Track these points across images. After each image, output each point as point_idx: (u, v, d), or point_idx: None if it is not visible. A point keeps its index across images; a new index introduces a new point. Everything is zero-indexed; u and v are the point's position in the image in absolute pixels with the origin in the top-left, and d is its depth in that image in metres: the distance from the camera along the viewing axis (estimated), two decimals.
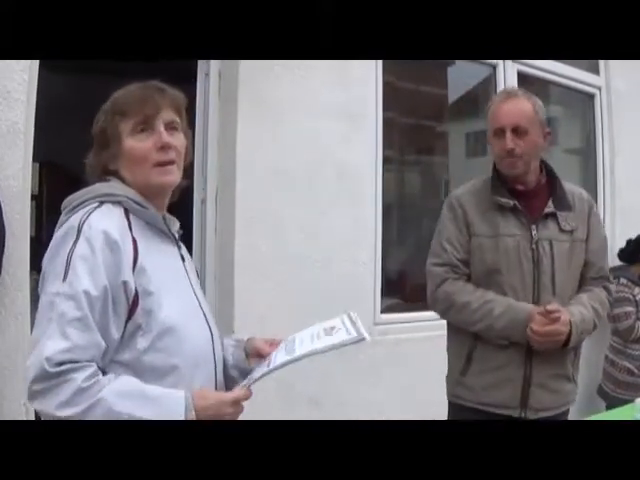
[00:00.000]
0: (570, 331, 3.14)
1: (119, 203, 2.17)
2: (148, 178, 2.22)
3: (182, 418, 2.00)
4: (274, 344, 2.39)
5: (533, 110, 3.31)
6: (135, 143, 2.20)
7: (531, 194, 3.36)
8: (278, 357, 2.20)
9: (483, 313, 3.24)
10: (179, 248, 2.37)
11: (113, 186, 2.20)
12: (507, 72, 6.42)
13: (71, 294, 1.97)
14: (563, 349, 3.24)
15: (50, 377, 1.90)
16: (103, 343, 1.99)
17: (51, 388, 1.90)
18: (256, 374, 2.20)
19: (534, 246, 3.27)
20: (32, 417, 4.03)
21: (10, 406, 3.99)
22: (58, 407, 1.91)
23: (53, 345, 1.92)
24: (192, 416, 2.02)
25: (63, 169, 6.95)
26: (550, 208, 3.31)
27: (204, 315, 2.32)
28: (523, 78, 6.57)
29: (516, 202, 3.30)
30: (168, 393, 2.05)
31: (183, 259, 2.37)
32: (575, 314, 3.19)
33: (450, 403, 3.52)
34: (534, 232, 3.27)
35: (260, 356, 2.40)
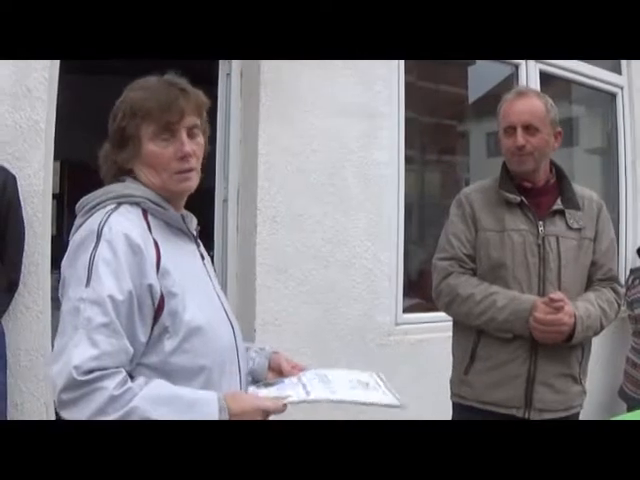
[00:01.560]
0: (574, 324, 3.12)
1: (137, 204, 2.14)
2: (167, 184, 2.19)
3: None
4: (297, 367, 2.42)
5: (545, 109, 3.32)
6: (156, 149, 2.16)
7: (539, 192, 3.36)
8: (316, 389, 2.20)
9: (486, 305, 3.22)
10: (198, 246, 2.34)
11: (130, 186, 2.17)
12: (529, 71, 6.39)
13: (96, 299, 1.93)
14: (568, 346, 3.23)
15: (80, 386, 1.86)
16: (131, 348, 1.96)
17: (82, 397, 1.87)
18: (293, 396, 2.18)
19: (540, 242, 3.27)
20: (52, 416, 4.05)
21: (31, 405, 4.02)
22: (91, 417, 1.88)
23: (81, 353, 1.88)
24: (225, 418, 2.00)
25: (84, 167, 6.95)
26: (558, 205, 3.32)
27: (226, 313, 2.30)
28: (545, 77, 6.55)
29: (523, 198, 3.30)
30: (201, 396, 2.03)
31: (202, 257, 2.34)
32: (580, 308, 3.17)
33: (453, 404, 3.51)
34: (541, 228, 3.28)
35: (279, 373, 2.42)
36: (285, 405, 2.14)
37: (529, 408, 3.24)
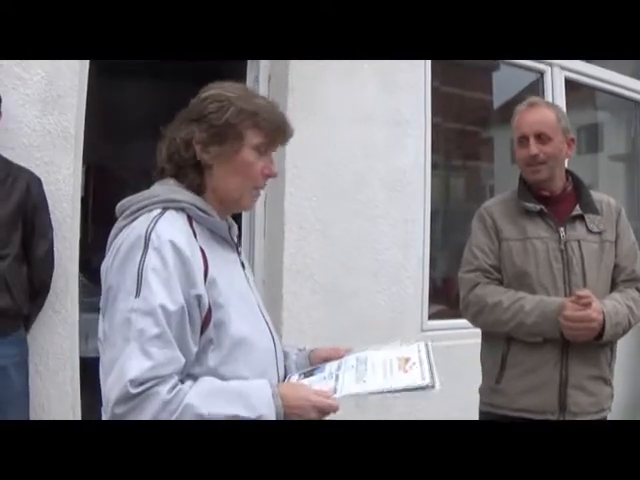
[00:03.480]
0: (604, 321, 3.12)
1: (182, 210, 2.09)
2: (243, 196, 2.19)
3: (272, 408, 1.99)
4: (340, 351, 2.36)
5: (555, 118, 3.35)
6: (253, 158, 2.15)
7: (557, 200, 3.39)
8: (347, 383, 2.14)
9: (514, 310, 3.23)
10: (239, 254, 2.31)
11: (176, 191, 2.12)
12: (555, 78, 6.40)
13: (147, 310, 1.89)
14: (598, 346, 3.23)
15: (133, 397, 1.84)
16: (183, 358, 1.94)
17: (136, 407, 1.85)
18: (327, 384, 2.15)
19: (563, 247, 3.28)
20: (78, 419, 4.06)
21: (57, 408, 4.02)
22: None
23: (136, 365, 1.85)
24: (279, 403, 1.99)
25: (109, 172, 7.00)
26: (577, 211, 3.34)
27: (267, 323, 2.27)
28: (570, 84, 6.55)
29: (542, 207, 3.33)
30: (252, 384, 2.03)
31: (243, 266, 2.31)
32: (608, 305, 3.17)
33: (482, 413, 3.49)
34: (562, 234, 3.30)
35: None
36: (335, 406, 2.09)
37: (564, 412, 3.23)
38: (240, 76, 4.89)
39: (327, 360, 2.34)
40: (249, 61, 4.94)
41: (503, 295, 3.29)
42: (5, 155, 3.79)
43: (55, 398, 4.02)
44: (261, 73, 4.91)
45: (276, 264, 4.79)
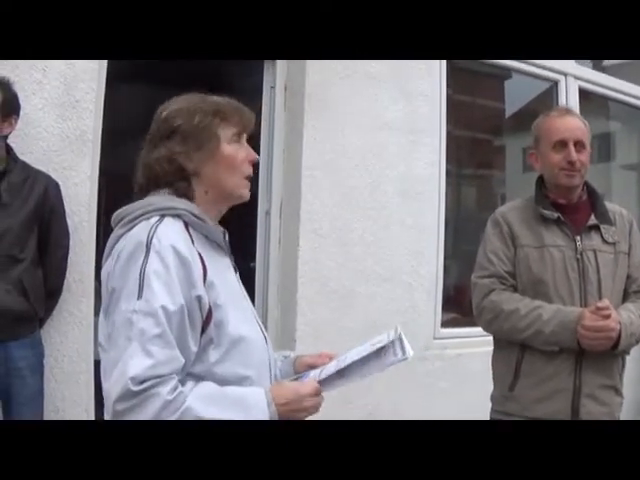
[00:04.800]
0: (620, 331, 3.13)
1: (179, 216, 2.14)
2: (237, 187, 2.25)
3: (266, 414, 2.03)
4: (324, 356, 2.39)
5: (587, 129, 3.39)
6: (233, 151, 2.23)
7: (573, 208, 3.38)
8: (328, 368, 2.21)
9: (532, 319, 3.21)
10: (231, 259, 2.35)
11: (172, 199, 2.17)
12: (569, 87, 6.40)
13: (149, 311, 1.95)
14: (612, 355, 3.24)
15: (135, 395, 1.89)
16: (182, 358, 1.98)
17: (137, 405, 1.89)
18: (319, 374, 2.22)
19: (579, 256, 3.28)
20: None
21: (72, 410, 4.04)
22: None
23: (137, 364, 1.90)
24: (273, 410, 2.04)
25: (124, 177, 6.98)
26: (593, 221, 3.34)
27: (258, 324, 2.32)
28: (582, 94, 6.55)
29: (560, 215, 3.32)
30: (249, 392, 2.07)
31: (235, 270, 2.36)
32: (623, 315, 3.18)
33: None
34: (578, 243, 3.29)
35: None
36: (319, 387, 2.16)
37: None
38: (256, 84, 4.92)
39: (312, 367, 2.37)
40: (265, 69, 4.98)
41: (520, 303, 3.28)
42: (24, 159, 3.81)
43: (69, 400, 4.03)
44: (277, 82, 4.94)
45: (291, 270, 4.81)
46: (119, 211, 2.21)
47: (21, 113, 3.77)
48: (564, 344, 3.19)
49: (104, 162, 4.33)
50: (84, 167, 4.09)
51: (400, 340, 2.15)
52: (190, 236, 2.13)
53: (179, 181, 2.20)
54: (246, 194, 2.30)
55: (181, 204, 2.16)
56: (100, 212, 4.38)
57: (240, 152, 2.24)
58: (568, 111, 3.47)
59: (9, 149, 3.76)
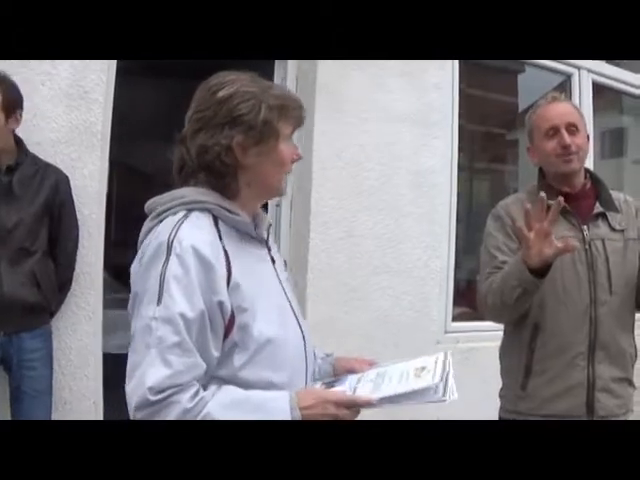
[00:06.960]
0: None
1: (208, 210, 2.09)
2: (279, 182, 2.20)
3: (289, 419, 1.98)
4: (364, 362, 2.36)
5: (578, 112, 3.34)
6: (287, 149, 2.18)
7: (578, 197, 3.30)
8: (362, 392, 2.13)
9: (499, 277, 3.11)
10: (269, 250, 2.28)
11: (203, 192, 2.10)
12: (582, 81, 6.36)
13: (167, 318, 1.91)
14: (624, 348, 3.24)
15: (153, 404, 1.87)
16: (203, 364, 1.95)
17: (156, 412, 1.88)
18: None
19: (587, 246, 3.21)
20: (101, 416, 4.08)
21: (80, 404, 4.04)
22: None
23: (155, 373, 1.87)
24: (297, 415, 1.98)
25: (132, 169, 7.01)
26: (599, 209, 3.28)
27: (297, 320, 2.24)
28: (595, 88, 6.51)
29: (565, 204, 3.23)
30: (272, 396, 2.01)
31: (273, 261, 2.27)
32: None
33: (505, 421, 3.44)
34: (586, 232, 3.22)
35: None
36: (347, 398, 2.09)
37: (592, 416, 3.20)
38: (268, 76, 4.89)
39: (350, 372, 2.32)
40: (277, 61, 4.96)
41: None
42: (32, 150, 3.81)
43: (77, 393, 4.04)
44: (289, 74, 4.94)
45: (302, 263, 4.80)
46: (150, 201, 2.17)
47: (30, 104, 3.77)
48: (522, 279, 3.00)
49: (113, 154, 4.32)
50: (93, 158, 4.08)
51: (445, 382, 2.03)
52: (219, 231, 2.07)
53: (226, 172, 2.12)
54: (286, 190, 2.28)
55: (210, 197, 2.10)
56: (110, 204, 4.38)
57: (291, 149, 2.20)
58: (555, 97, 3.38)
59: (19, 141, 3.77)
